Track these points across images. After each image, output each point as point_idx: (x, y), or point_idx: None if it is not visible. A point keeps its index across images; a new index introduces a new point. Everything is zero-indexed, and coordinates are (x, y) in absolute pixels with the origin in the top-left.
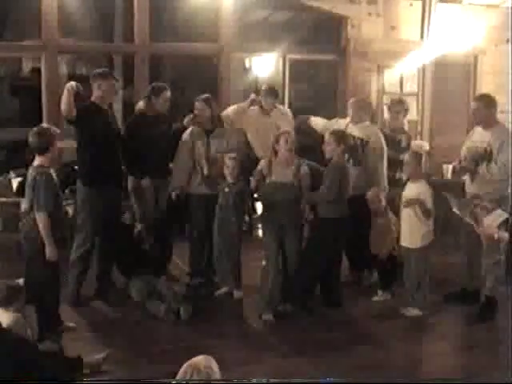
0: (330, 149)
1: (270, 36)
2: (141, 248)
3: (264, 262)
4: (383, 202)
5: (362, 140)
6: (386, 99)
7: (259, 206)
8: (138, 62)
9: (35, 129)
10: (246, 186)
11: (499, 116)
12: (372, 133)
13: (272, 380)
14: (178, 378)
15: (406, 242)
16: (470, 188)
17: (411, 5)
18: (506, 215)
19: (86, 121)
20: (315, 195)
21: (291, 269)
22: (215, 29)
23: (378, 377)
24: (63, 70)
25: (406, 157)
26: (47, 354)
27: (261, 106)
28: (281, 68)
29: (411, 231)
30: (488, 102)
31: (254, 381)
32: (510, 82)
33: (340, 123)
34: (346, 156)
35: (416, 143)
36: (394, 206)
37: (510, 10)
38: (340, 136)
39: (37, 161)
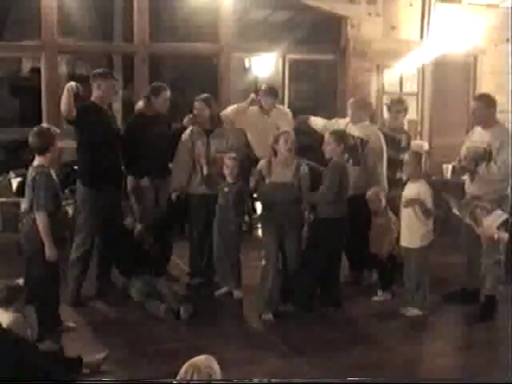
0: (329, 149)
1: (269, 36)
2: (141, 248)
3: (264, 262)
4: (383, 202)
5: (361, 140)
6: (385, 99)
7: (259, 206)
8: (138, 62)
9: (35, 129)
10: (245, 185)
11: (499, 116)
12: (371, 133)
13: (272, 380)
14: (178, 377)
15: (405, 241)
16: (470, 188)
17: (411, 5)
18: (505, 216)
19: (85, 121)
20: (315, 195)
21: (291, 269)
22: (215, 29)
23: (378, 377)
24: (63, 69)
25: (405, 157)
26: (47, 354)
27: (260, 106)
28: (280, 68)
29: (411, 231)
30: (488, 101)
31: (255, 381)
32: (510, 82)
33: (340, 123)
34: (346, 156)
35: (416, 143)
36: (395, 206)
37: (509, 10)
38: (340, 136)
39: (37, 161)
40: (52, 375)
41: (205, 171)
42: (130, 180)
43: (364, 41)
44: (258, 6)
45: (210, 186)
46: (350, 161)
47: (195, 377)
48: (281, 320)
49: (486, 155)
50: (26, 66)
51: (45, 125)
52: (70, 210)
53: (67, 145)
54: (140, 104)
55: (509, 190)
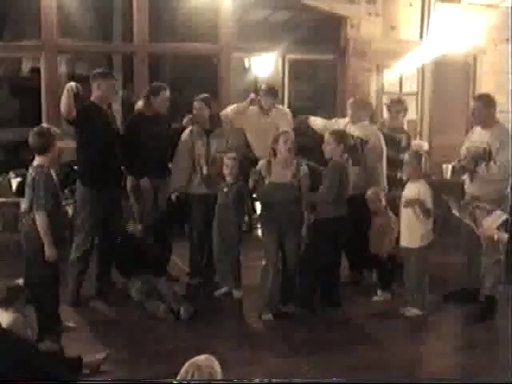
0: (329, 149)
1: (269, 36)
2: (140, 248)
3: (263, 262)
4: (383, 202)
5: (361, 140)
6: (385, 99)
7: (259, 206)
8: (138, 62)
9: (35, 129)
10: (245, 185)
11: (499, 116)
12: (371, 132)
13: (273, 380)
14: (179, 377)
15: (405, 241)
16: (470, 188)
17: (411, 4)
18: (505, 216)
19: (85, 121)
20: (315, 195)
21: (291, 269)
22: (215, 29)
23: (378, 377)
24: (62, 69)
25: (405, 157)
26: (47, 354)
27: (260, 106)
28: (280, 68)
29: (411, 231)
30: (487, 101)
31: (255, 381)
32: (510, 82)
33: (339, 123)
34: (346, 156)
35: (416, 143)
36: (395, 206)
37: (509, 10)
38: (340, 136)
39: (37, 161)
40: (52, 375)
41: (204, 171)
42: (129, 180)
43: (364, 41)
44: (257, 6)
45: (210, 186)
46: (350, 161)
47: (196, 376)
48: (281, 320)
49: (485, 155)
50: (26, 66)
51: (45, 125)
52: (70, 210)
53: (67, 145)
54: (139, 104)
55: (508, 189)
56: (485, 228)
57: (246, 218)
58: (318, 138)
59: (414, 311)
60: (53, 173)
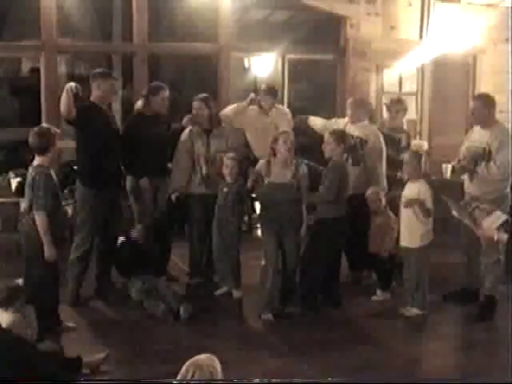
0: (329, 148)
1: (269, 36)
2: (141, 250)
3: (263, 262)
4: (383, 202)
5: (360, 139)
6: (385, 99)
7: (258, 206)
8: (137, 62)
9: (35, 129)
10: (244, 185)
11: (498, 115)
12: (371, 132)
13: (272, 380)
14: (180, 376)
15: (405, 241)
16: (469, 188)
17: (410, 4)
18: (504, 217)
19: (85, 121)
20: (315, 196)
21: (290, 268)
22: (214, 29)
23: (378, 377)
24: (62, 69)
25: (405, 156)
26: (47, 354)
27: (260, 106)
28: (280, 68)
29: (411, 231)
30: (487, 101)
31: (255, 381)
32: (510, 82)
33: (339, 123)
34: (345, 156)
35: (416, 143)
36: (395, 205)
37: (509, 10)
38: (340, 136)
39: (37, 161)
40: (52, 375)
41: (204, 171)
42: (129, 180)
43: (363, 41)
44: (257, 5)
45: (210, 186)
46: (350, 160)
47: (196, 375)
48: (280, 320)
49: (485, 155)
50: (26, 66)
51: (45, 125)
52: (70, 210)
53: (67, 145)
54: (139, 104)
55: (508, 189)
56: (484, 229)
57: (246, 218)
58: (317, 137)
59: (413, 311)
60: (53, 173)
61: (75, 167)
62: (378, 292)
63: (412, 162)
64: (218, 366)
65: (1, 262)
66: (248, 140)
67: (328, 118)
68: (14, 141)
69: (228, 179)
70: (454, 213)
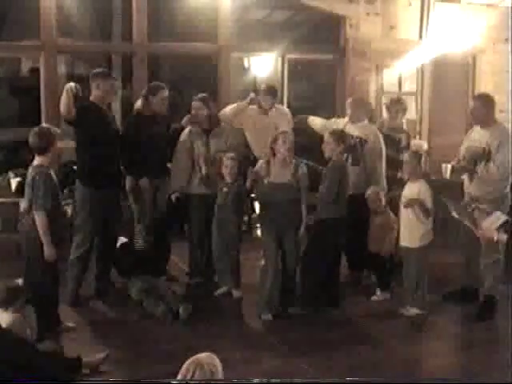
0: (329, 148)
1: (268, 36)
2: (141, 253)
3: (263, 262)
4: (383, 201)
5: (360, 139)
6: (384, 99)
7: (258, 206)
8: (137, 62)
9: (35, 129)
10: (244, 185)
11: (498, 115)
12: (370, 132)
13: (272, 380)
14: (180, 374)
15: (405, 241)
16: (469, 188)
17: (410, 4)
18: (504, 217)
19: (85, 121)
20: (314, 196)
21: (290, 268)
22: (214, 29)
23: (378, 377)
24: (62, 69)
25: (405, 156)
26: (46, 354)
27: (260, 106)
28: (279, 68)
29: (410, 231)
30: (487, 101)
31: (255, 381)
32: (510, 82)
33: (338, 123)
34: (345, 155)
35: (416, 143)
36: (396, 205)
37: (509, 10)
38: (339, 136)
39: (36, 161)
40: (52, 375)
41: (203, 171)
42: (128, 180)
43: (363, 40)
44: (257, 5)
45: (209, 186)
46: (349, 160)
47: (197, 374)
48: (280, 320)
49: (484, 155)
50: (26, 66)
51: (45, 125)
52: (69, 210)
53: (67, 145)
54: (138, 103)
55: (508, 189)
56: (484, 229)
57: (246, 218)
58: (317, 137)
59: (413, 311)
60: (52, 173)
61: (75, 167)
62: (378, 292)
63: (412, 161)
64: (219, 365)
65: (1, 262)
66: (248, 140)
67: (328, 117)
68: (14, 141)
69: (227, 179)
70: (454, 214)
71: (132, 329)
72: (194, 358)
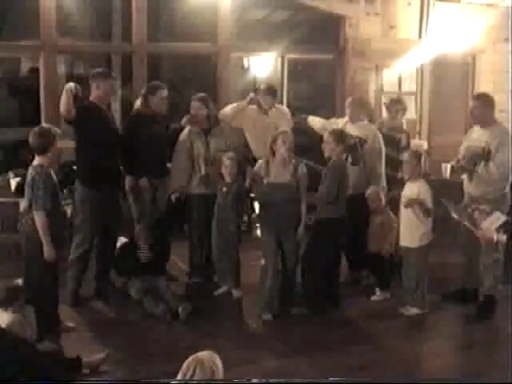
0: (329, 148)
1: (268, 36)
2: (140, 248)
3: (263, 262)
4: (383, 201)
5: (359, 139)
6: (384, 99)
7: (258, 206)
8: (137, 62)
9: (36, 129)
10: (243, 185)
11: (498, 115)
12: (370, 132)
13: (272, 380)
14: (181, 372)
15: (405, 241)
16: (469, 187)
17: (409, 4)
18: (504, 218)
19: (84, 121)
20: (315, 196)
21: (290, 268)
22: (213, 28)
23: (378, 377)
24: (61, 69)
25: (405, 156)
26: (46, 354)
27: (259, 106)
28: (279, 67)
29: (410, 231)
30: (486, 101)
31: (254, 381)
32: (510, 81)
33: (338, 123)
34: (344, 155)
35: (415, 143)
36: (396, 205)
37: (509, 10)
38: (339, 135)
39: (36, 160)
40: (51, 375)
41: (203, 171)
42: (128, 180)
43: (363, 40)
44: (256, 5)
45: (209, 186)
46: (349, 160)
47: (197, 371)
48: (280, 320)
49: (484, 155)
50: (25, 66)
51: (45, 125)
52: (69, 210)
53: (66, 145)
54: (138, 103)
55: (507, 189)
56: (484, 230)
57: (246, 218)
58: (317, 137)
59: (413, 310)
60: (52, 173)
61: (75, 167)
62: (378, 292)
63: (412, 161)
64: (219, 363)
65: (1, 262)
66: (247, 140)
67: (327, 117)
68: (14, 141)
69: (227, 179)
70: (454, 214)
71: (132, 329)
72: (195, 355)
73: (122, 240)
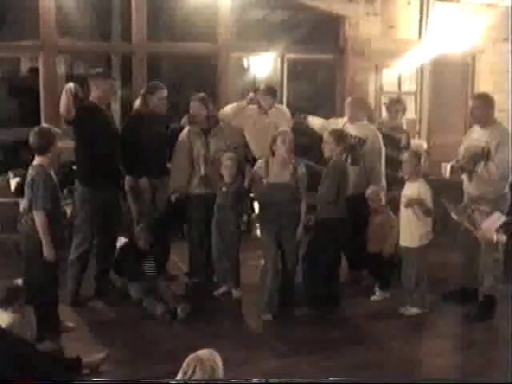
0: (329, 148)
1: (268, 35)
2: (140, 248)
3: (263, 262)
4: (383, 200)
5: (359, 139)
6: (384, 98)
7: (258, 206)
8: (136, 62)
9: (36, 129)
10: (243, 185)
11: (498, 115)
12: (369, 132)
13: (271, 380)
14: (181, 370)
15: (405, 241)
16: (468, 187)
17: (409, 4)
18: (503, 218)
19: (84, 121)
20: (315, 196)
21: (290, 268)
22: (213, 28)
23: (378, 377)
24: (61, 69)
25: (405, 156)
26: (46, 354)
27: (259, 106)
28: (279, 67)
29: (410, 230)
30: (486, 100)
31: (254, 381)
32: (510, 81)
33: (337, 122)
34: (344, 155)
35: (415, 143)
36: (396, 205)
37: (509, 9)
38: (339, 135)
39: (36, 160)
40: (51, 375)
41: (202, 171)
42: (127, 180)
43: (362, 40)
44: (256, 5)
45: (209, 186)
46: (349, 160)
47: (197, 370)
48: (280, 320)
49: (484, 154)
50: (25, 66)
51: (45, 125)
52: (69, 210)
53: (66, 145)
54: (137, 103)
55: (507, 189)
56: (484, 230)
57: (245, 218)
58: (317, 137)
59: (413, 310)
60: (52, 173)
61: (74, 167)
62: (377, 292)
63: (412, 161)
64: (219, 361)
65: (1, 262)
66: (247, 140)
67: (327, 117)
68: (14, 141)
69: (227, 179)
70: (453, 216)
71: (132, 329)
72: (195, 354)
73: (121, 240)
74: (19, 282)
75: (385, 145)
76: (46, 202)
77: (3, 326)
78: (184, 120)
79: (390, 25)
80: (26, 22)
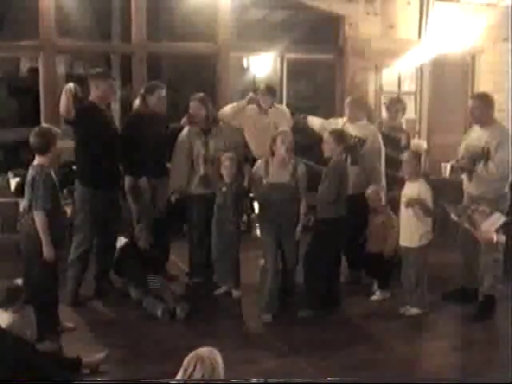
0: (329, 148)
1: (268, 35)
2: (140, 249)
3: (262, 262)
4: (383, 200)
5: (359, 139)
6: (384, 98)
7: (257, 206)
8: (136, 62)
9: (36, 129)
10: (243, 185)
11: (497, 114)
12: (369, 132)
13: (271, 380)
14: (181, 369)
15: (405, 241)
16: (468, 187)
17: (409, 3)
18: (503, 219)
19: (84, 121)
20: (315, 196)
21: (290, 268)
22: (213, 28)
23: (378, 377)
24: (61, 70)
25: (405, 156)
26: (46, 354)
27: (259, 106)
28: (279, 67)
29: (410, 230)
30: (486, 100)
31: (253, 381)
32: (510, 81)
33: (337, 122)
34: (344, 155)
35: (415, 142)
36: (396, 205)
37: (509, 9)
38: (339, 135)
39: (37, 160)
40: (51, 375)
41: (202, 171)
42: (127, 180)
43: (362, 40)
44: (256, 5)
45: (209, 186)
46: (349, 160)
47: (198, 367)
48: (280, 320)
49: (484, 154)
50: (25, 66)
51: (46, 125)
52: (69, 210)
53: (66, 145)
54: (137, 103)
55: (507, 189)
56: (484, 231)
57: (245, 218)
58: (317, 137)
59: (413, 310)
60: (52, 173)
61: (74, 167)
62: (377, 291)
63: (412, 161)
64: (220, 359)
65: (1, 262)
66: (247, 140)
67: (327, 117)
68: (14, 141)
69: (226, 179)
70: (453, 217)
71: (132, 329)
72: (195, 352)
73: (121, 240)
74: (19, 282)
75: (385, 145)
76: (46, 202)
77: (3, 325)
78: (184, 120)
79: (389, 25)
80: (26, 22)
